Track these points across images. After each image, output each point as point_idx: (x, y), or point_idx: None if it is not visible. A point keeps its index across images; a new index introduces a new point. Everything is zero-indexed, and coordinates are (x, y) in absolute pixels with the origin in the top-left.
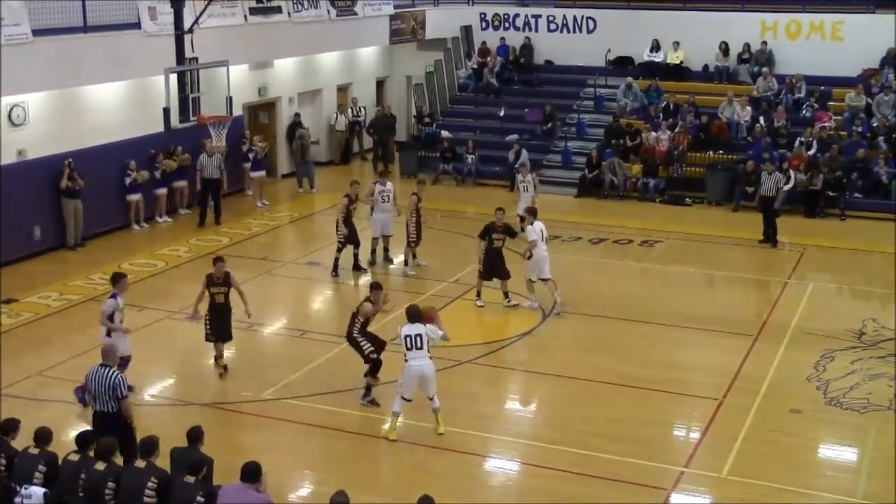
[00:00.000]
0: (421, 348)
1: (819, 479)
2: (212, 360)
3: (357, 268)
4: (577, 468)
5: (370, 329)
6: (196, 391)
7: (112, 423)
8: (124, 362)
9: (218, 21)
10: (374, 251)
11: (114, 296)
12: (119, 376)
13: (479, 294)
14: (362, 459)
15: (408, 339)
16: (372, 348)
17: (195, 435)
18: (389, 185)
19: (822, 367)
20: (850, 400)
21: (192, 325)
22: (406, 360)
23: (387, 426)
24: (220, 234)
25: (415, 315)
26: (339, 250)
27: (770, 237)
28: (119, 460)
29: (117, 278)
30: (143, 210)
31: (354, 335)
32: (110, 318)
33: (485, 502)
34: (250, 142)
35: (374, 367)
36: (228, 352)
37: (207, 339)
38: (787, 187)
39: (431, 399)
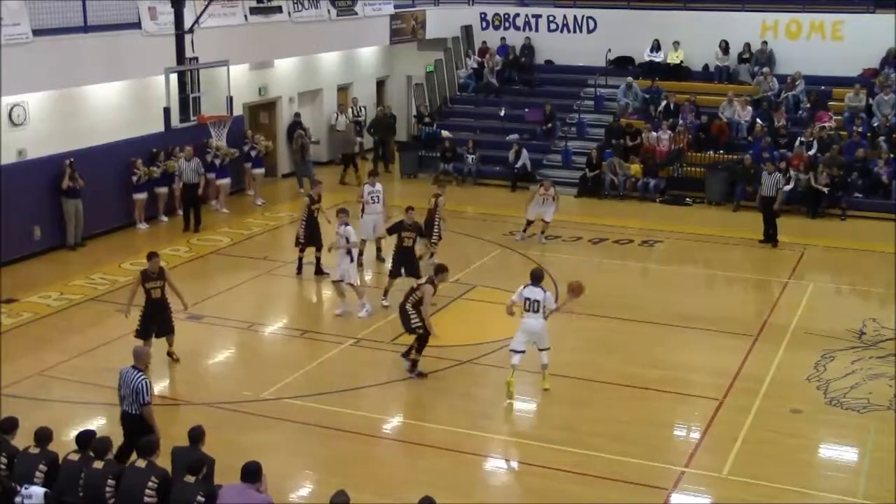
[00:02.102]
0: (537, 312)
1: (819, 479)
2: (212, 360)
3: (319, 272)
4: (578, 468)
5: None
6: (196, 391)
7: (136, 425)
8: None
9: (218, 21)
10: (361, 252)
11: None
12: (144, 381)
13: (385, 293)
14: (362, 459)
15: (527, 301)
16: (420, 323)
17: (196, 435)
18: (379, 185)
19: (822, 367)
20: (851, 400)
21: (192, 324)
22: (522, 318)
23: (508, 377)
24: (221, 233)
25: (537, 278)
26: (302, 250)
27: (770, 237)
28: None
29: None
30: (145, 209)
31: (407, 307)
32: None
33: (485, 502)
34: (252, 140)
35: (421, 341)
36: (229, 351)
37: (136, 336)
38: (787, 188)
39: (543, 351)
